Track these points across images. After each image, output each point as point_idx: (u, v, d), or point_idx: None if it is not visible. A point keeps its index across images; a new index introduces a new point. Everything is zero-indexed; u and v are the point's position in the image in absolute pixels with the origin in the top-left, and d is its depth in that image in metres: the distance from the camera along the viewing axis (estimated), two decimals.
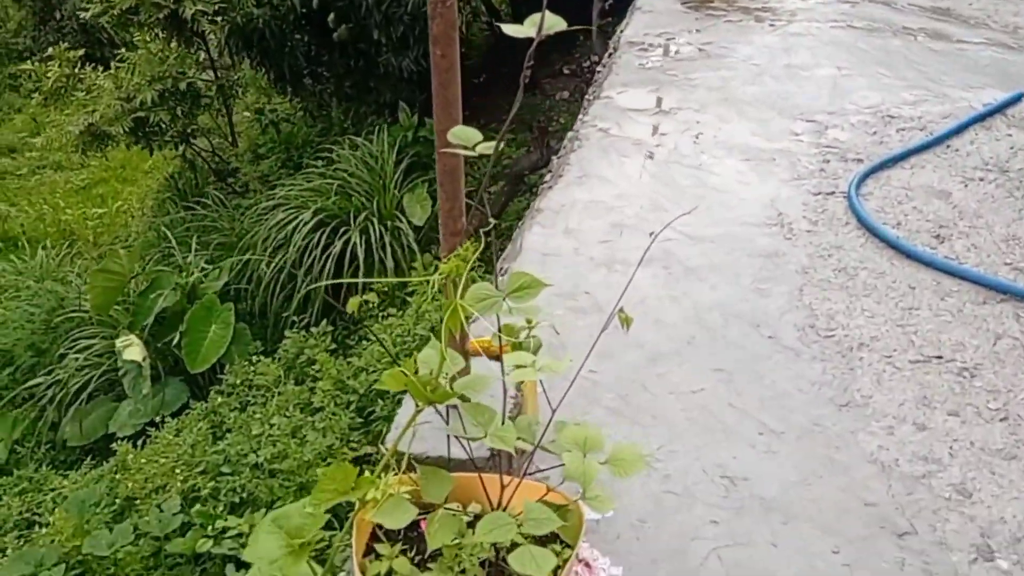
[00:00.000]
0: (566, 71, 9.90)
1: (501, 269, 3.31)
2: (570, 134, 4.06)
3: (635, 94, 4.43)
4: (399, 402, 5.14)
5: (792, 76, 4.66)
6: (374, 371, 5.05)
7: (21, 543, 4.80)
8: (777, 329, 2.96)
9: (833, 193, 3.66)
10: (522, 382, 2.45)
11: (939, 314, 3.01)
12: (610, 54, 4.93)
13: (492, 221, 1.84)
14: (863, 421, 2.60)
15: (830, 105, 4.35)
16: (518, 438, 1.87)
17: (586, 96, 4.55)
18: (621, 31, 5.25)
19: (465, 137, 1.79)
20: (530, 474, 2.02)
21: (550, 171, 3.94)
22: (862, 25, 5.29)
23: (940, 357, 2.83)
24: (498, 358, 2.62)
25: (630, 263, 3.24)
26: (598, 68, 4.90)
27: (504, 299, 1.74)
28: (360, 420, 4.89)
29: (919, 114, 4.25)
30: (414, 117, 7.94)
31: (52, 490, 5.34)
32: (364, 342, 5.72)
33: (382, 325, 5.58)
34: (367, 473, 1.82)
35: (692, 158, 3.92)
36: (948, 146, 3.97)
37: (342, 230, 6.74)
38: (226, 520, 4.21)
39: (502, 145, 1.78)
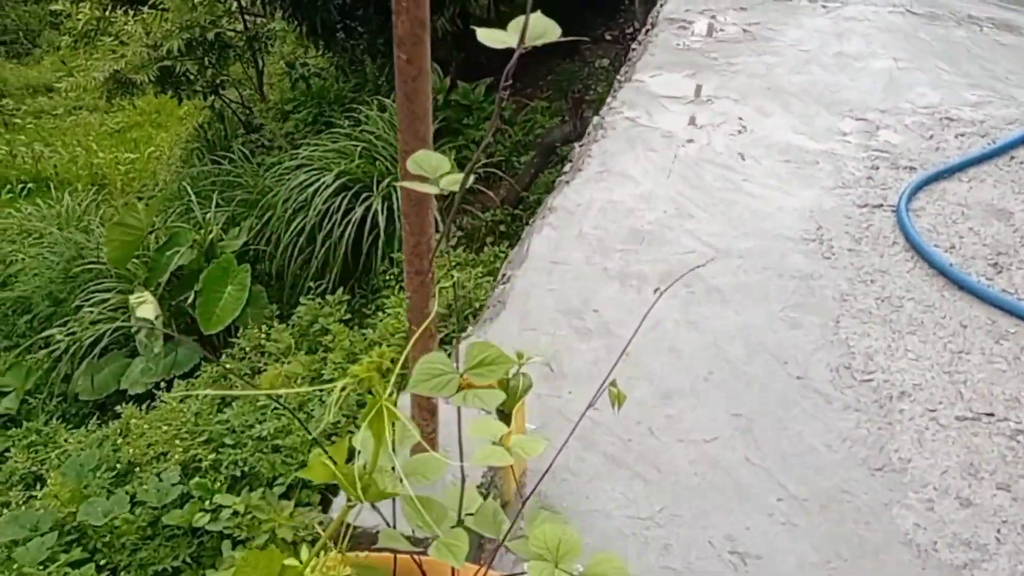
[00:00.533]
0: (608, 37, 9.32)
1: (504, 276, 2.92)
2: (595, 120, 3.62)
3: (670, 78, 3.96)
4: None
5: (843, 66, 4.16)
6: (388, 345, 4.78)
7: (25, 498, 4.64)
8: (807, 368, 2.54)
9: (881, 206, 3.20)
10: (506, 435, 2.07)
11: (993, 360, 2.58)
12: (647, 31, 4.45)
13: (455, 304, 1.45)
14: (899, 490, 2.19)
15: (883, 102, 3.85)
16: (477, 533, 1.49)
17: (617, 77, 4.09)
18: (661, 5, 4.75)
19: (429, 165, 1.39)
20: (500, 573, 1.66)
21: (570, 161, 3.51)
22: (923, 11, 4.74)
23: (991, 415, 2.41)
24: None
25: (646, 279, 2.83)
26: (633, 45, 4.43)
27: (461, 376, 1.35)
28: (370, 396, 4.57)
29: (981, 118, 3.74)
30: (446, 79, 7.50)
31: (58, 447, 5.16)
32: (380, 313, 5.41)
33: (398, 297, 5.29)
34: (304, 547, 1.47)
35: (726, 156, 3.47)
36: (1012, 157, 3.48)
37: (364, 195, 6.37)
38: (223, 496, 4.00)
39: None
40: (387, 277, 5.98)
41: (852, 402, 2.44)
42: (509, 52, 1.18)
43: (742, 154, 3.48)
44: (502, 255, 5.36)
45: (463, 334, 2.70)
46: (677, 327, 2.67)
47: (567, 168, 3.47)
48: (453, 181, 1.38)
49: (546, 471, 1.99)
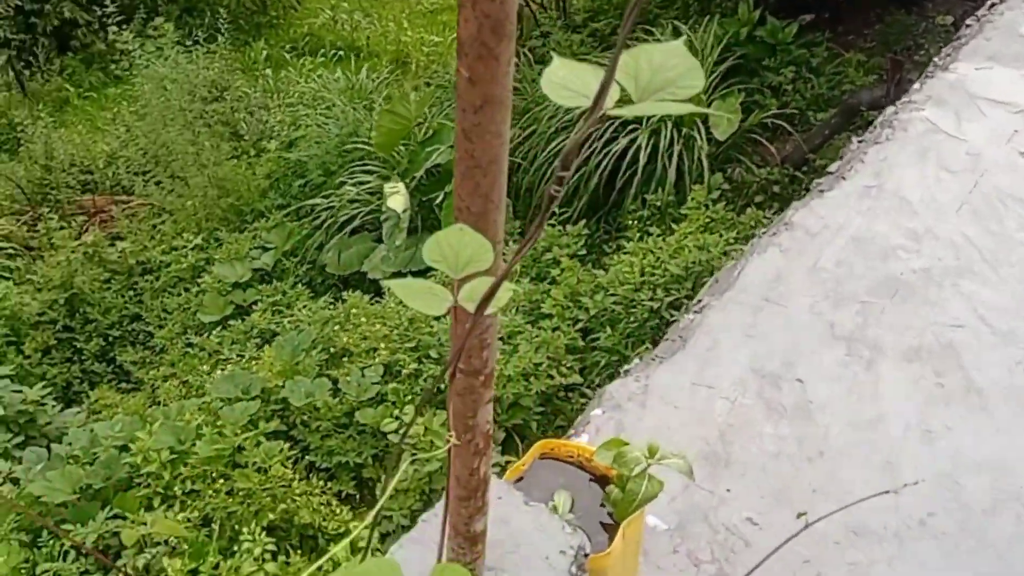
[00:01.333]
0: None
1: (699, 302, 2.25)
2: (880, 118, 2.75)
3: (1002, 75, 2.95)
4: (628, 334, 4.32)
5: None
6: (612, 294, 4.38)
7: (256, 355, 4.79)
8: None
9: None
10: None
11: None
12: (991, 4, 3.38)
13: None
14: None
15: None
16: None
17: (934, 61, 3.13)
18: None
19: (458, 253, 0.81)
20: None
21: (839, 160, 2.70)
22: None
23: None
24: (604, 479, 1.68)
25: (882, 352, 2.06)
26: (968, 21, 3.39)
27: None
28: (581, 344, 4.24)
29: None
30: (755, 12, 6.54)
31: (293, 314, 5.25)
32: (618, 255, 4.92)
33: (636, 245, 4.81)
34: None
35: None
36: None
37: (631, 127, 5.76)
38: (410, 413, 3.90)
39: None
40: (635, 219, 5.45)
41: None
42: None
43: None
44: (766, 220, 4.60)
45: (626, 366, 2.10)
46: (906, 432, 1.91)
47: (833, 168, 2.67)
48: (475, 292, 0.79)
49: None
